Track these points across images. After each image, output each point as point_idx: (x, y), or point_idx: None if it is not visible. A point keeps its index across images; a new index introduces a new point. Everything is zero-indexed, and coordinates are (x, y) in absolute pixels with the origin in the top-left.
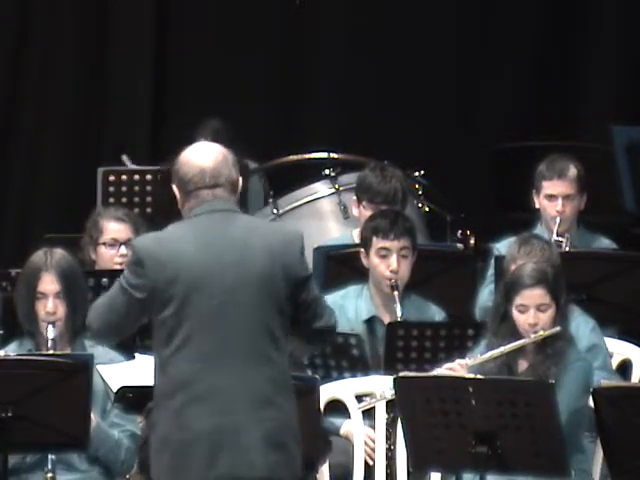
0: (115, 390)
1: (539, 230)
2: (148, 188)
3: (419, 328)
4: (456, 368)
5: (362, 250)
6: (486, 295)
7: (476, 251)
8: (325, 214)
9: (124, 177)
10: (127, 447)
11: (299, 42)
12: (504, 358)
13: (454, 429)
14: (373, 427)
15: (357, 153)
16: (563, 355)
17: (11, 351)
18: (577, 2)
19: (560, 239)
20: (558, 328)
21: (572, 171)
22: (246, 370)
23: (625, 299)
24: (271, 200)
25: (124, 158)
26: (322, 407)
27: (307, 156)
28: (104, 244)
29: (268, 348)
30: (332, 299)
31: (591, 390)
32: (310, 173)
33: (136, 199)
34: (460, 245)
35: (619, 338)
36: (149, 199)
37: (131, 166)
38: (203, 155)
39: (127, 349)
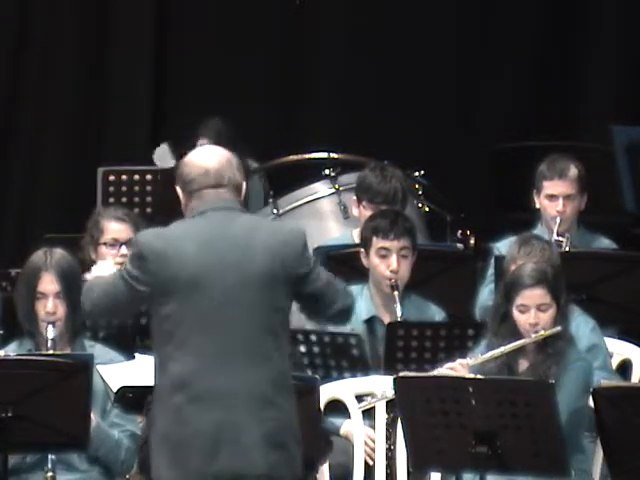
0: (115, 390)
1: (539, 230)
2: (148, 188)
3: (419, 328)
4: (457, 368)
5: (362, 250)
6: (486, 294)
7: (476, 251)
8: (325, 214)
9: (124, 177)
10: (127, 447)
11: (299, 42)
12: (504, 358)
13: (454, 429)
14: (373, 427)
15: (357, 153)
16: (563, 355)
17: (11, 351)
18: (577, 2)
19: (560, 239)
20: (559, 328)
21: (573, 171)
22: (246, 370)
23: (625, 299)
24: (271, 200)
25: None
26: (322, 407)
27: (307, 156)
28: (105, 244)
29: (269, 348)
30: None
31: (591, 390)
32: (310, 173)
33: (136, 199)
34: (460, 245)
35: (619, 338)
36: (149, 199)
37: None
38: (207, 157)
39: (127, 349)
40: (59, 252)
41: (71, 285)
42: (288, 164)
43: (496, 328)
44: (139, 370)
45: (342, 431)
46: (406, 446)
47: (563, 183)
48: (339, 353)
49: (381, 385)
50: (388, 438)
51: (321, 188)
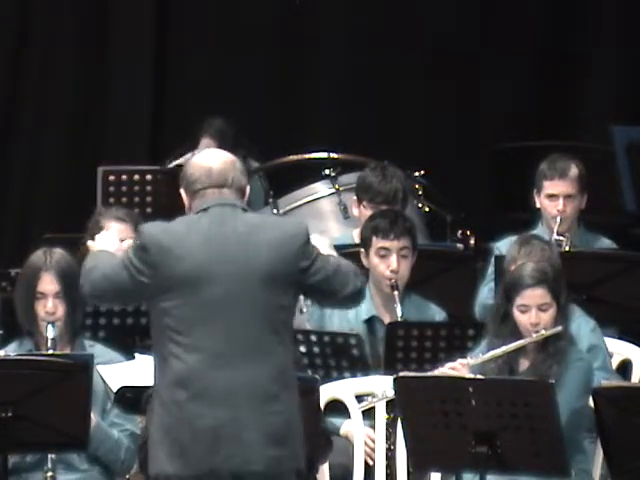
0: (115, 390)
1: (540, 230)
2: (148, 188)
3: (419, 328)
4: (457, 367)
5: (362, 250)
6: (486, 292)
7: (476, 251)
8: (325, 214)
9: (124, 177)
10: (127, 447)
11: (299, 42)
12: (505, 358)
13: (454, 429)
14: (373, 427)
15: (357, 153)
16: (564, 355)
17: (11, 351)
18: (577, 2)
19: (560, 238)
20: (559, 328)
21: (573, 171)
22: (249, 365)
23: (625, 299)
24: (271, 200)
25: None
26: (322, 407)
27: (307, 156)
28: None
29: (271, 344)
30: None
31: (591, 390)
32: (310, 173)
33: (136, 199)
34: (460, 245)
35: (619, 338)
36: (149, 199)
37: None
38: (211, 158)
39: (127, 349)
40: (59, 252)
41: (71, 285)
42: (288, 164)
43: (496, 328)
44: (139, 370)
45: (342, 431)
46: (406, 446)
47: (564, 183)
48: (339, 353)
49: (381, 385)
50: (388, 438)
51: (321, 188)
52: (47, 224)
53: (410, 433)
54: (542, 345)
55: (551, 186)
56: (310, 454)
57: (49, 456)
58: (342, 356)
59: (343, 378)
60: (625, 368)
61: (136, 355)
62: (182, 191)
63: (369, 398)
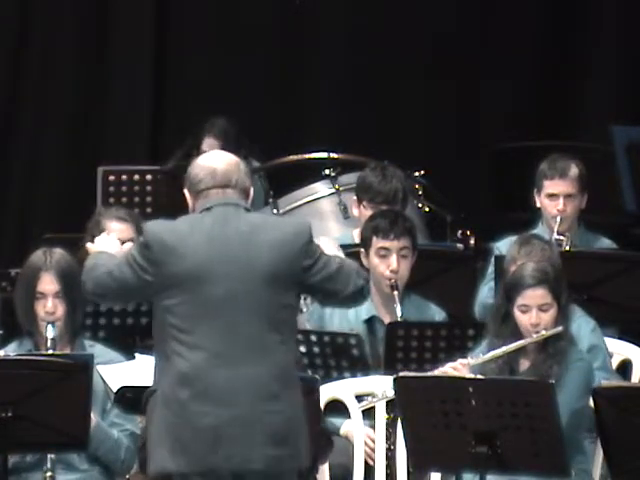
0: (115, 390)
1: (540, 229)
2: (148, 188)
3: (419, 328)
4: (458, 367)
5: (362, 250)
6: (485, 292)
7: (476, 251)
8: (325, 214)
9: (124, 177)
10: (127, 446)
11: (299, 42)
12: (506, 358)
13: (454, 429)
14: (373, 427)
15: (357, 153)
16: (565, 355)
17: (11, 351)
18: (577, 2)
19: (560, 238)
20: (560, 328)
21: (574, 170)
22: (250, 364)
23: (625, 299)
24: (271, 200)
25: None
26: (322, 407)
27: (307, 156)
28: None
29: (274, 343)
30: None
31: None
32: (310, 173)
33: (136, 199)
34: (460, 245)
35: (619, 338)
36: (149, 199)
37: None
38: (215, 159)
39: (127, 349)
40: (59, 252)
41: (70, 285)
42: (288, 164)
43: (497, 328)
44: (139, 370)
45: (342, 431)
46: (406, 446)
47: (564, 182)
48: (339, 353)
49: (381, 385)
50: (388, 438)
51: (321, 188)
52: (47, 224)
53: (410, 433)
54: (542, 345)
55: (551, 186)
56: (310, 454)
57: (48, 456)
58: (342, 356)
59: (343, 378)
60: (625, 368)
61: (136, 355)
62: (186, 191)
63: (369, 398)
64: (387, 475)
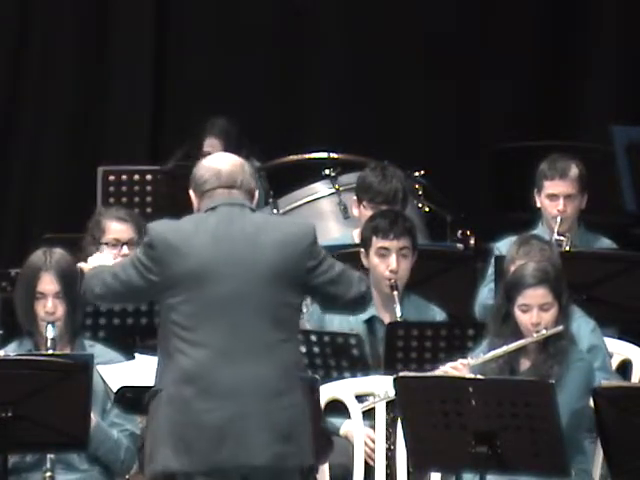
0: (115, 390)
1: (540, 230)
2: (148, 188)
3: (419, 328)
4: (458, 367)
5: (362, 250)
6: (486, 293)
7: (476, 251)
8: (325, 214)
9: (124, 177)
10: (127, 447)
11: (299, 42)
12: (506, 358)
13: (454, 429)
14: (373, 427)
15: (357, 153)
16: (565, 354)
17: (11, 351)
18: (577, 2)
19: (561, 238)
20: (561, 327)
21: (574, 171)
22: (254, 362)
23: (625, 299)
24: (271, 200)
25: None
26: (322, 407)
27: (307, 156)
28: (106, 244)
29: (277, 341)
30: None
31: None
32: (310, 173)
33: (136, 199)
34: (460, 245)
35: (619, 338)
36: (149, 199)
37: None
38: (220, 160)
39: (127, 349)
40: (59, 252)
41: (70, 285)
42: (288, 164)
43: (497, 328)
44: (139, 370)
45: (342, 431)
46: (406, 446)
47: (564, 183)
48: (339, 353)
49: (381, 385)
50: (388, 438)
51: (321, 188)
52: (47, 224)
53: (410, 433)
54: (543, 345)
55: (551, 186)
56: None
57: (48, 456)
58: (342, 356)
59: (343, 378)
60: (625, 368)
61: (136, 355)
62: (191, 192)
63: (370, 398)
64: (387, 475)
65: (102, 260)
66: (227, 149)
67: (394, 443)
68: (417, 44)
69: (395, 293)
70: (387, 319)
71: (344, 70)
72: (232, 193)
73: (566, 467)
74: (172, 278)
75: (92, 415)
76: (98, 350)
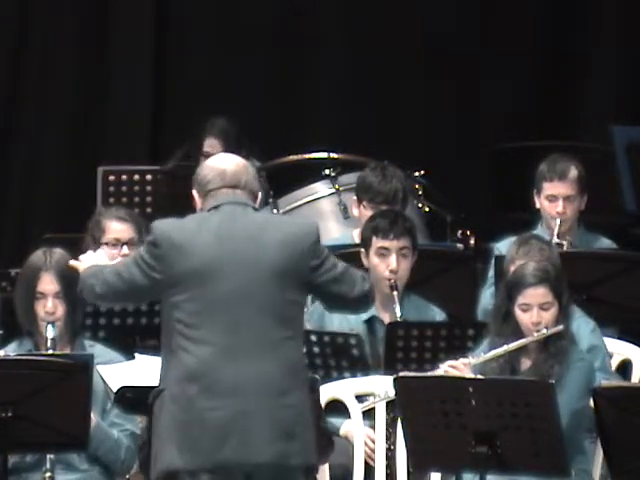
0: (115, 390)
1: (540, 230)
2: (148, 188)
3: (419, 328)
4: (459, 367)
5: (362, 250)
6: (488, 297)
7: (476, 251)
8: (325, 214)
9: (124, 177)
10: (127, 446)
11: (299, 42)
12: (507, 357)
13: (454, 429)
14: (373, 427)
15: (357, 153)
16: (566, 354)
17: (11, 351)
18: (577, 2)
19: (561, 242)
20: (561, 327)
21: (573, 172)
22: (258, 359)
23: (625, 299)
24: (271, 200)
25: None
26: (322, 407)
27: (307, 156)
28: (106, 244)
29: (281, 338)
30: None
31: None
32: (310, 173)
33: (136, 199)
34: (460, 245)
35: (619, 338)
36: (149, 199)
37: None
38: (224, 161)
39: (127, 349)
40: (59, 252)
41: (70, 285)
42: (288, 164)
43: (498, 327)
44: (139, 370)
45: (342, 431)
46: (406, 446)
47: (563, 184)
48: (339, 353)
49: (381, 385)
50: (388, 438)
51: (321, 188)
52: (47, 224)
53: (410, 433)
54: (544, 345)
55: (551, 188)
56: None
57: (48, 456)
58: (342, 356)
59: (343, 378)
60: (625, 368)
61: (136, 355)
62: (194, 193)
63: (370, 398)
64: (387, 475)
65: (96, 259)
66: (227, 149)
67: (394, 443)
68: (417, 44)
69: (395, 293)
70: (387, 319)
71: (344, 70)
72: (236, 193)
73: (566, 467)
74: (176, 276)
75: (92, 415)
76: (98, 350)
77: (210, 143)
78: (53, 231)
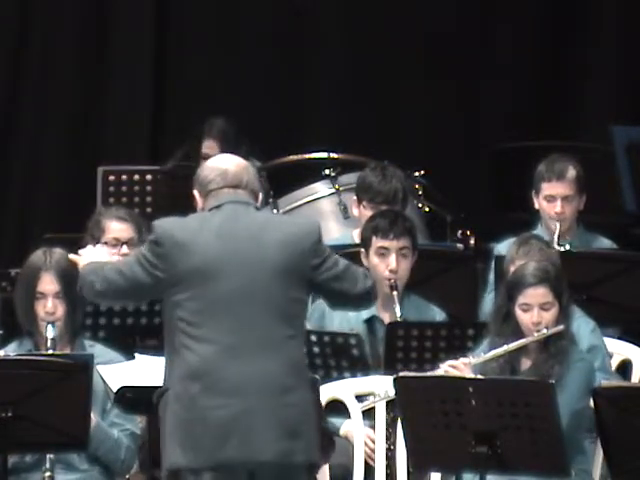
0: (115, 390)
1: (539, 231)
2: (148, 188)
3: (419, 328)
4: (459, 366)
5: (362, 250)
6: (489, 303)
7: (476, 251)
8: (325, 214)
9: (124, 177)
10: (127, 446)
11: (299, 42)
12: (507, 357)
13: (454, 429)
14: (373, 427)
15: (357, 153)
16: (566, 354)
17: (11, 351)
18: (577, 2)
19: (562, 249)
20: (561, 327)
21: (571, 172)
22: (261, 357)
23: (625, 299)
24: (271, 200)
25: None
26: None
27: (307, 156)
28: (106, 243)
29: (284, 336)
30: None
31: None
32: (310, 173)
33: (136, 199)
34: (460, 245)
35: (619, 338)
36: (149, 199)
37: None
38: (225, 161)
39: (127, 349)
40: (59, 252)
41: (70, 285)
42: (288, 164)
43: (498, 327)
44: (139, 370)
45: (342, 431)
46: (406, 446)
47: (561, 184)
48: (339, 353)
49: (381, 385)
50: (388, 438)
51: (321, 188)
52: (47, 224)
53: (410, 433)
54: (544, 345)
55: (549, 188)
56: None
57: (47, 456)
58: (342, 356)
59: (343, 378)
60: (625, 368)
61: (136, 355)
62: (195, 193)
63: (370, 398)
64: (387, 475)
65: (96, 254)
66: (225, 150)
67: (394, 443)
68: (417, 44)
69: (395, 293)
70: (387, 319)
71: (344, 70)
72: (238, 192)
73: (566, 467)
74: (178, 275)
75: (92, 415)
76: (98, 350)
77: (208, 144)
78: (53, 231)
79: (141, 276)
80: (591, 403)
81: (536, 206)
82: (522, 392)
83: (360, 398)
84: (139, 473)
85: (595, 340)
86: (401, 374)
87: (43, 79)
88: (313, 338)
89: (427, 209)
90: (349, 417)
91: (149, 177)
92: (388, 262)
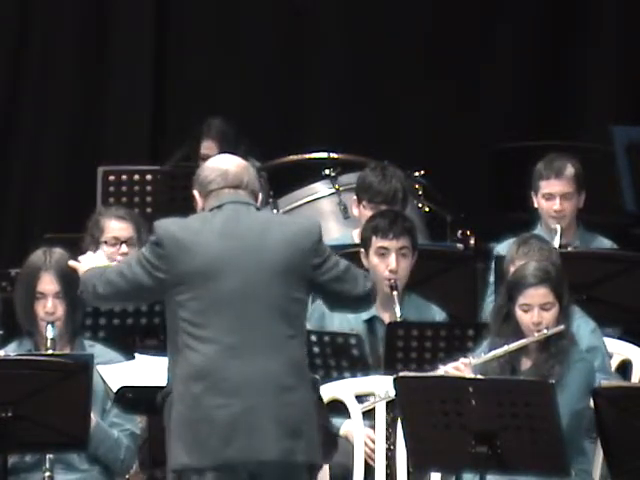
0: (115, 390)
1: (539, 230)
2: (148, 188)
3: (419, 328)
4: (460, 367)
5: (362, 250)
6: (490, 306)
7: (476, 251)
8: (325, 214)
9: (124, 177)
10: (127, 446)
11: (299, 42)
12: (507, 357)
13: (454, 429)
14: (373, 427)
15: (357, 153)
16: (566, 354)
17: (11, 351)
18: (577, 2)
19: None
20: (562, 327)
21: (569, 170)
22: (263, 357)
23: (625, 299)
24: (271, 200)
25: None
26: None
27: (307, 156)
28: (105, 243)
29: (285, 336)
30: None
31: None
32: (310, 173)
33: (136, 199)
34: (460, 245)
35: (619, 338)
36: (149, 199)
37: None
38: (226, 161)
39: (127, 349)
40: (58, 252)
41: (70, 285)
42: (288, 164)
43: (498, 327)
44: (139, 370)
45: (342, 431)
46: (406, 446)
47: (560, 182)
48: (339, 353)
49: (381, 385)
50: (388, 438)
51: (321, 188)
52: (47, 224)
53: (410, 433)
54: (544, 345)
55: (547, 186)
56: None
57: (47, 456)
58: (342, 356)
59: (343, 378)
60: (625, 368)
61: (136, 355)
62: (195, 193)
63: (370, 398)
64: (387, 475)
65: (95, 260)
66: (224, 150)
67: (394, 443)
68: (417, 44)
69: (395, 293)
70: (387, 319)
71: (344, 70)
72: (238, 193)
73: (566, 467)
74: (180, 275)
75: (92, 415)
76: (98, 350)
77: (207, 145)
78: (53, 231)
79: (142, 277)
80: (591, 403)
81: (535, 205)
82: (522, 392)
83: (360, 398)
84: (139, 473)
85: (595, 340)
86: (401, 374)
87: (43, 79)
88: (313, 338)
89: (427, 209)
90: (349, 417)
91: (149, 177)
92: (388, 262)
